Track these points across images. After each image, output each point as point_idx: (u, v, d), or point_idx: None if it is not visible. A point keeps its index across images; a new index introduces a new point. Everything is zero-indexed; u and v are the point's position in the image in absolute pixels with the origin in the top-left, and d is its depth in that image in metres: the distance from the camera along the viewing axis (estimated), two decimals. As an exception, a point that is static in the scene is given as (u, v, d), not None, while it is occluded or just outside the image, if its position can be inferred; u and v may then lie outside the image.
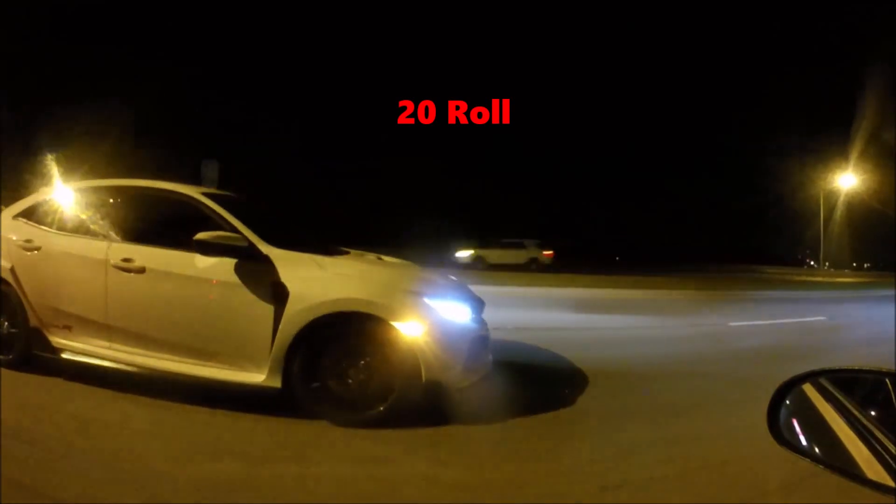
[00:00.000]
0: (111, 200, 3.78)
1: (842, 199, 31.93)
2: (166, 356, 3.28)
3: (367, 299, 3.12)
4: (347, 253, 3.86)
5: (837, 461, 1.05)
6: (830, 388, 1.15)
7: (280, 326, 3.07)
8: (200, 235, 3.19)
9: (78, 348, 3.50)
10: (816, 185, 31.68)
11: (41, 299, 3.60)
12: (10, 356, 3.69)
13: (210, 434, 2.86)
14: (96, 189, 3.90)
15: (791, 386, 1.16)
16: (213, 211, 3.43)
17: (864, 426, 1.06)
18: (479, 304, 3.56)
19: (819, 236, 32.74)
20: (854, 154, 30.42)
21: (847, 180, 31.47)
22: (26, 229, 3.80)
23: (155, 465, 2.48)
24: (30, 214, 3.89)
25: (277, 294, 3.11)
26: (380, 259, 3.92)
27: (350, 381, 3.08)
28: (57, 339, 3.56)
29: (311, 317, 3.05)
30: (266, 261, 3.21)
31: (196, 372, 3.20)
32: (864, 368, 1.14)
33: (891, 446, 0.99)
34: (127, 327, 3.39)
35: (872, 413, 1.07)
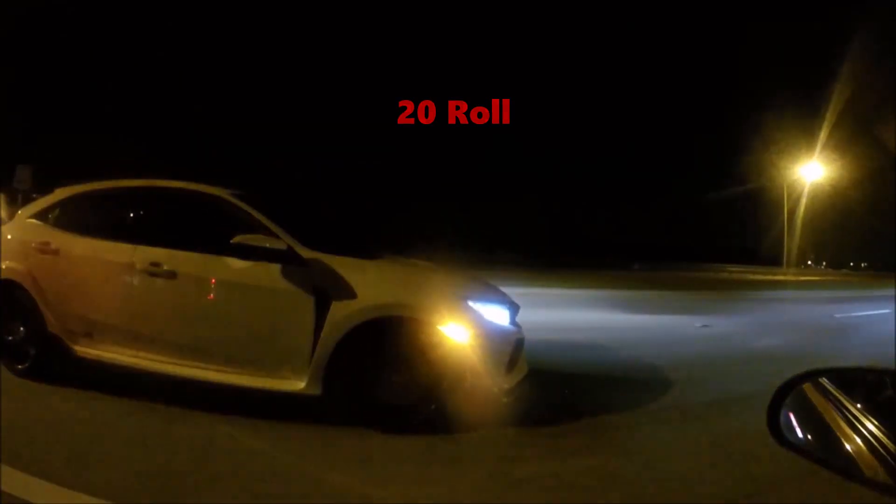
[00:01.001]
0: (132, 201, 3.72)
1: (806, 190, 31.42)
2: (199, 364, 3.16)
3: (412, 303, 3.07)
4: (381, 257, 3.75)
5: (837, 460, 1.05)
6: (830, 387, 1.15)
7: (322, 332, 2.98)
8: (238, 238, 3.09)
9: (101, 356, 3.38)
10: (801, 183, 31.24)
11: (60, 304, 3.49)
12: (27, 364, 3.54)
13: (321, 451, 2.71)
14: (116, 189, 3.82)
15: (791, 386, 1.16)
16: (245, 212, 3.32)
17: (864, 426, 1.06)
18: (514, 307, 3.49)
19: (807, 234, 32.21)
20: (819, 146, 29.88)
21: (810, 172, 30.94)
22: (43, 231, 3.71)
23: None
24: (46, 216, 3.81)
25: (320, 299, 3.02)
26: (414, 263, 3.86)
27: (394, 386, 3.01)
28: (77, 347, 3.44)
29: (355, 322, 2.98)
30: (307, 264, 3.11)
31: (231, 380, 3.09)
32: (865, 368, 1.14)
33: (891, 446, 0.99)
34: (156, 334, 3.28)
35: (872, 412, 1.07)
